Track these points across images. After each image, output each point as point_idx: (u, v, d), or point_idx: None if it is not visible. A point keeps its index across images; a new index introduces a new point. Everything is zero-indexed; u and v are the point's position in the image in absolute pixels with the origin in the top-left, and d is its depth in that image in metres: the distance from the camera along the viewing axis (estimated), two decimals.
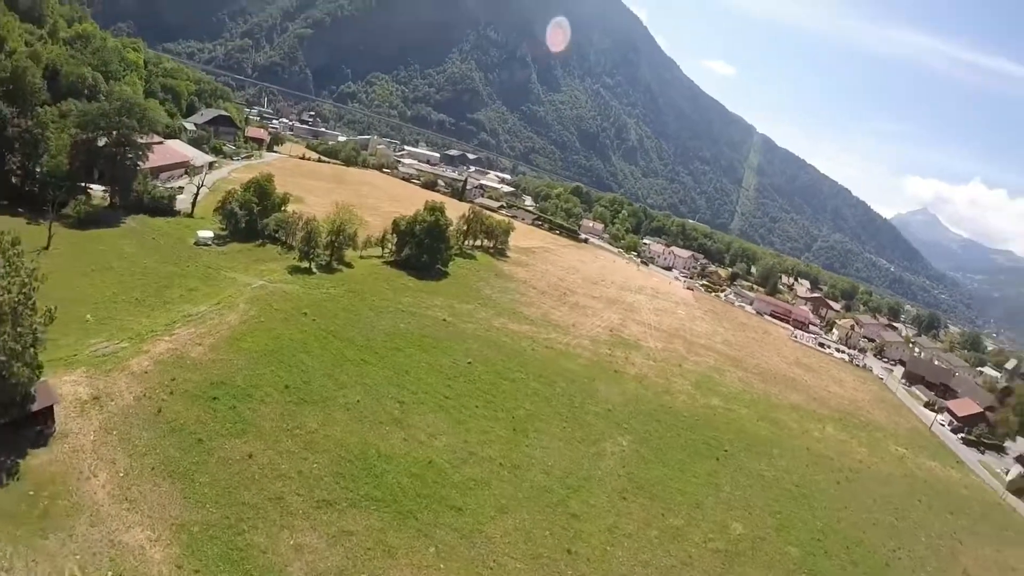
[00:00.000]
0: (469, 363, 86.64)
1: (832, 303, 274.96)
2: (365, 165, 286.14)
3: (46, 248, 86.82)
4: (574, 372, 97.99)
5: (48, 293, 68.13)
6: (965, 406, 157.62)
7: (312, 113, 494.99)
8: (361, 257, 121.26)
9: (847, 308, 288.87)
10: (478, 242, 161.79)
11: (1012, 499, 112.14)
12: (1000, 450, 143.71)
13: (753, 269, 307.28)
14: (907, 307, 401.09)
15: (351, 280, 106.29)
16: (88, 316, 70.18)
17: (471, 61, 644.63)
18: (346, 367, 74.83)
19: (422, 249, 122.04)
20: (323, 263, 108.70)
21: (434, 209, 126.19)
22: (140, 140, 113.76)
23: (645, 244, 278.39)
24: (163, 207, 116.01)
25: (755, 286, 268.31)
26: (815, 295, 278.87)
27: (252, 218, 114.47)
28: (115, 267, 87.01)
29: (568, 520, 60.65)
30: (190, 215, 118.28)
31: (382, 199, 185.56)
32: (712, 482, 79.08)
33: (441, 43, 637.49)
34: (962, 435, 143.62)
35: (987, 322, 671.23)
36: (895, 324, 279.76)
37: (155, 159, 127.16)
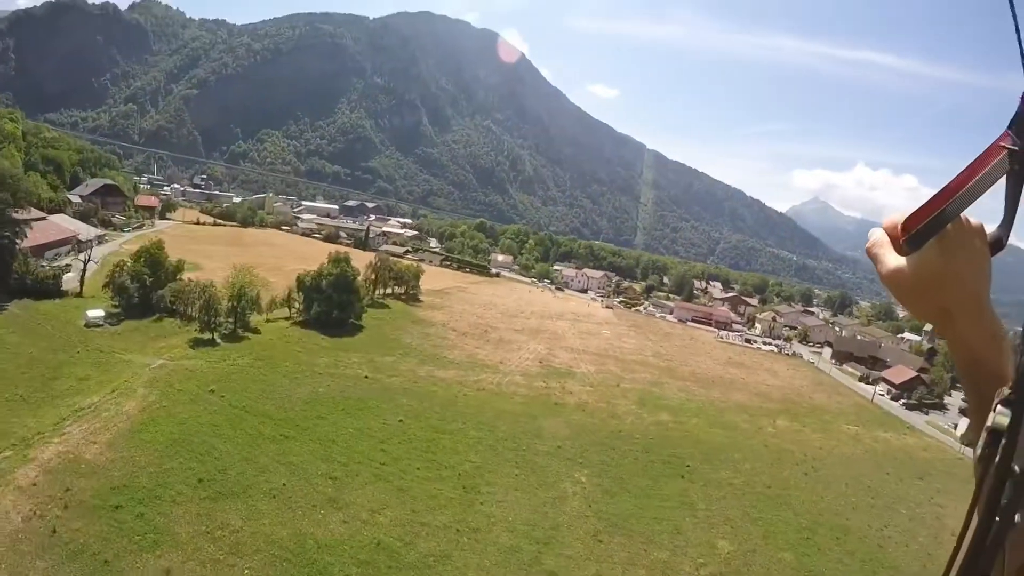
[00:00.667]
0: (401, 421, 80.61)
1: (748, 299, 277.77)
2: (263, 225, 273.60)
3: None
4: (513, 412, 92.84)
5: None
6: (899, 373, 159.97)
7: (204, 176, 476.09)
8: (268, 321, 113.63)
9: (763, 302, 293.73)
10: (389, 290, 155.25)
11: (968, 451, 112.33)
12: (942, 408, 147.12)
13: (665, 279, 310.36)
14: (817, 291, 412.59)
15: (260, 347, 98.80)
16: None
17: (360, 110, 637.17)
18: (264, 446, 67.65)
19: (331, 304, 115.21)
20: (227, 332, 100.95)
21: (339, 260, 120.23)
22: (17, 216, 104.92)
23: (557, 270, 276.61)
24: (48, 288, 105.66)
25: (671, 295, 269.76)
26: (730, 294, 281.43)
27: (145, 291, 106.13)
28: None
29: None
30: (79, 294, 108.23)
31: (284, 257, 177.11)
32: (685, 502, 75.23)
33: (329, 94, 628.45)
34: (903, 401, 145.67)
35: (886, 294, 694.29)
36: (811, 309, 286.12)
37: (37, 236, 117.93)
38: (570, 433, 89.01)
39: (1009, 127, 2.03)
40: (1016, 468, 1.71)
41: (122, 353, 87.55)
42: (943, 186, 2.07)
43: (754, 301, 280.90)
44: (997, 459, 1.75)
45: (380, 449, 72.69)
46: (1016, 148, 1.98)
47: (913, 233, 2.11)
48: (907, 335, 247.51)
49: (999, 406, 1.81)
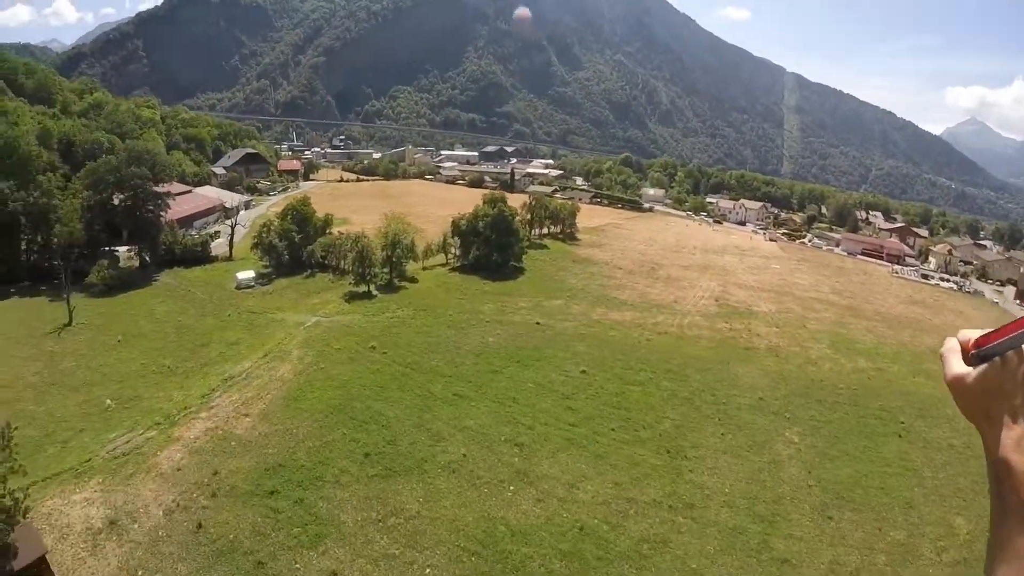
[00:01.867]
0: (583, 372, 68.00)
1: (917, 231, 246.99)
2: (406, 176, 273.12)
3: (68, 325, 73.24)
4: (703, 358, 78.21)
5: (66, 379, 55.91)
6: None
7: (343, 137, 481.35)
8: (424, 268, 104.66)
9: (930, 233, 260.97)
10: (544, 230, 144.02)
11: None
12: None
13: (823, 209, 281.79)
14: (983, 223, 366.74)
15: (419, 296, 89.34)
16: (109, 401, 54.77)
17: (488, 56, 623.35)
18: (437, 409, 56.99)
19: (490, 247, 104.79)
20: (383, 283, 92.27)
21: (495, 201, 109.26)
22: (158, 190, 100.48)
23: (711, 203, 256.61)
24: (198, 255, 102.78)
25: (833, 226, 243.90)
26: (899, 225, 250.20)
27: (294, 248, 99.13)
28: (145, 332, 72.88)
29: (781, 570, 42.19)
30: (228, 258, 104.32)
31: (432, 205, 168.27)
32: (908, 468, 58.69)
33: (455, 44, 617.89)
34: None
35: None
36: (982, 243, 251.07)
37: (185, 207, 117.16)
38: (769, 382, 73.42)
39: None
40: None
41: (275, 313, 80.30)
42: (1017, 318, 2.45)
43: (924, 232, 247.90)
44: None
45: (566, 407, 60.35)
46: None
47: (982, 350, 2.54)
48: None
49: None
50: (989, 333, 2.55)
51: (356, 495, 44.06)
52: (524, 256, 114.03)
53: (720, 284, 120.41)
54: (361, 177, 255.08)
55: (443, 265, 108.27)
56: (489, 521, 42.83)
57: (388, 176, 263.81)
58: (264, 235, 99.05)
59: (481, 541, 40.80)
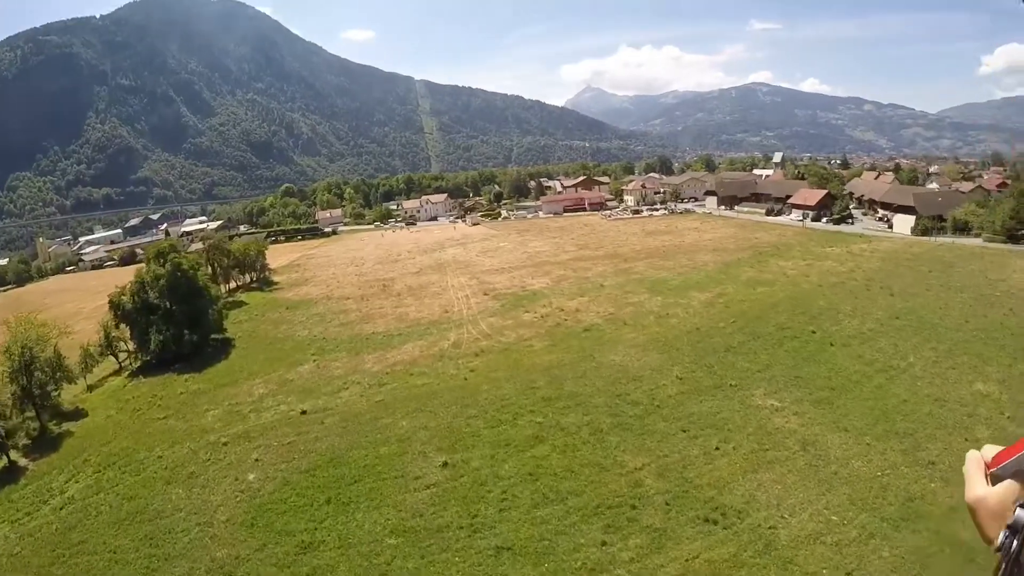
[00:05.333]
0: (445, 463, 43.86)
1: (599, 179, 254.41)
2: (42, 275, 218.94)
3: None
4: (562, 364, 60.59)
5: None
6: (808, 196, 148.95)
7: None
8: (90, 389, 71.38)
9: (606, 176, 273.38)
10: (232, 284, 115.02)
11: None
12: (851, 219, 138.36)
13: (497, 187, 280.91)
14: (633, 163, 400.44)
15: (98, 442, 55.33)
16: None
17: (112, 119, 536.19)
18: None
19: (176, 321, 74.44)
20: (29, 440, 57.33)
21: (162, 254, 79.23)
22: None
23: (394, 207, 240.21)
24: None
25: (517, 198, 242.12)
26: (580, 179, 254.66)
27: None
28: None
29: None
30: None
31: (82, 298, 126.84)
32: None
33: (73, 111, 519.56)
34: (825, 219, 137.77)
35: (683, 151, 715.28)
36: (654, 175, 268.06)
37: None
38: (663, 359, 60.04)
39: None
40: None
41: None
42: None
43: (604, 180, 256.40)
44: (1014, 549, 2.14)
45: (465, 540, 36.41)
46: None
47: (996, 470, 2.43)
48: (760, 171, 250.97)
49: (1018, 508, 2.23)
50: (1001, 451, 2.45)
51: None
52: (225, 321, 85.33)
53: (470, 277, 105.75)
54: None
55: (116, 373, 75.51)
56: None
57: (21, 282, 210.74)
58: None
59: None
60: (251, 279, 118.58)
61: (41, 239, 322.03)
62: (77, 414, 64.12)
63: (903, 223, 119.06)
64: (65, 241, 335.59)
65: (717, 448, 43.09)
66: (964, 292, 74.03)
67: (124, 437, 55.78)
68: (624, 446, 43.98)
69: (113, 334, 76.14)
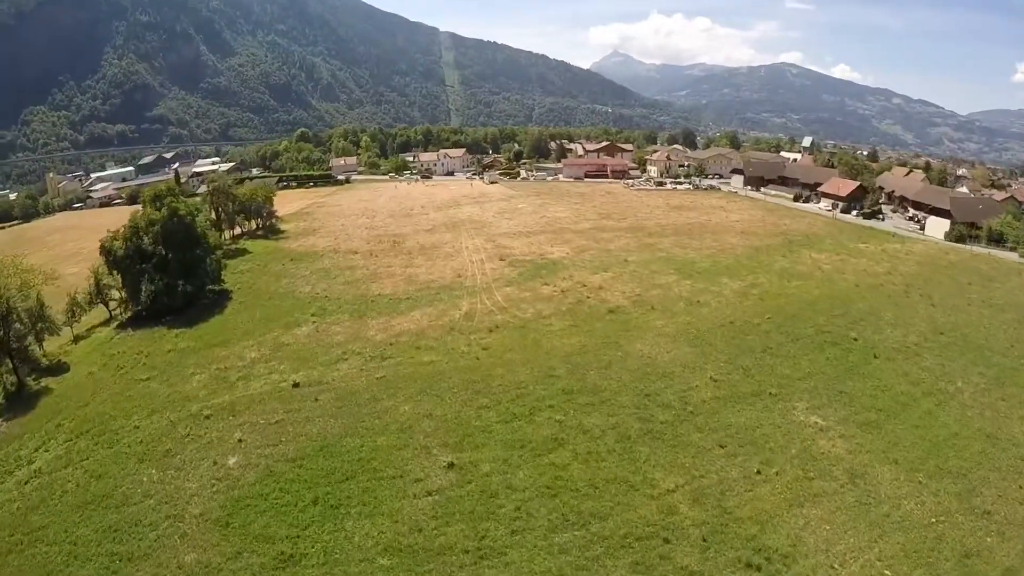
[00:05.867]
0: (451, 464, 38.82)
1: (623, 146, 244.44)
2: (49, 211, 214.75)
3: None
4: (582, 350, 55.28)
5: None
6: (840, 186, 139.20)
7: None
8: (77, 339, 66.70)
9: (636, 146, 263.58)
10: (237, 230, 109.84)
11: None
12: (881, 215, 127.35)
13: (517, 146, 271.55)
14: (655, 132, 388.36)
15: (75, 403, 50.97)
16: None
17: (130, 55, 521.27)
18: None
19: (171, 271, 69.30)
20: (5, 397, 53.40)
21: (160, 197, 73.58)
22: None
23: (411, 160, 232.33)
24: None
25: (538, 159, 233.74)
26: (604, 144, 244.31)
27: None
28: None
29: None
30: None
31: (86, 237, 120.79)
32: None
33: (90, 46, 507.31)
34: (856, 212, 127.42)
35: (706, 126, 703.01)
36: (679, 147, 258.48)
37: None
38: (695, 356, 54.28)
39: None
40: None
41: None
42: None
43: (628, 147, 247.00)
44: None
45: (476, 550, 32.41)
46: None
47: None
48: (785, 154, 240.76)
49: None
50: None
51: None
52: (224, 271, 80.00)
53: (485, 239, 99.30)
54: None
55: (107, 323, 70.63)
56: None
57: (28, 217, 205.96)
58: None
59: None
60: (257, 226, 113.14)
61: (51, 174, 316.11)
62: (59, 368, 59.71)
63: (937, 226, 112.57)
64: (76, 177, 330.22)
65: (758, 472, 37.98)
66: (1007, 312, 68.13)
67: (102, 400, 51.09)
68: (655, 460, 38.91)
69: (104, 281, 71.06)
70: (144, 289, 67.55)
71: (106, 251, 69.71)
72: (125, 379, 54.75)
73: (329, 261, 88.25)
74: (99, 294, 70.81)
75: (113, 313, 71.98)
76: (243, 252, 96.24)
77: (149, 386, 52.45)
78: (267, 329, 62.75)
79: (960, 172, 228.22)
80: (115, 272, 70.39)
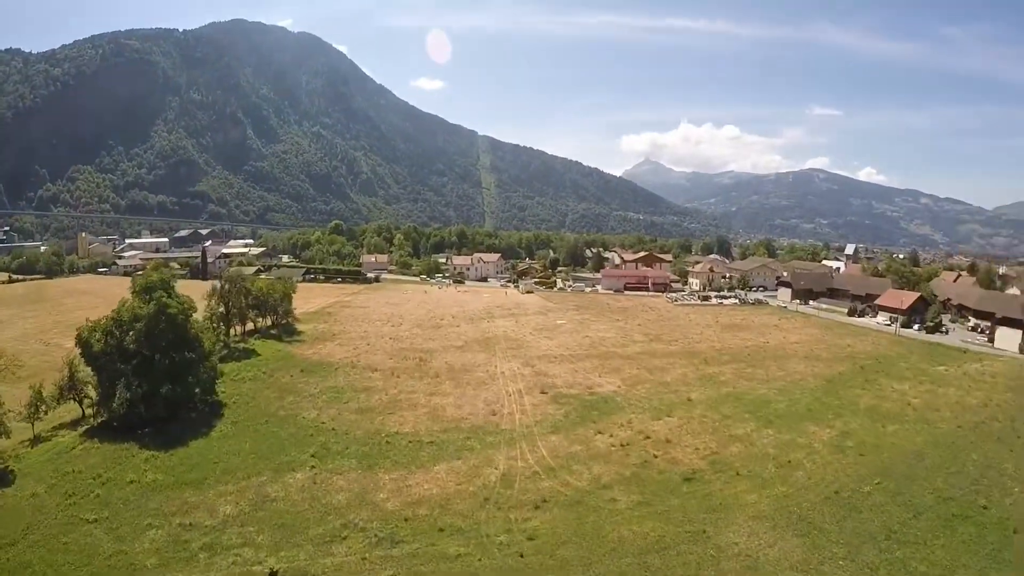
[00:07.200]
0: None
1: (662, 256, 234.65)
2: (74, 271, 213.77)
3: None
4: (662, 541, 41.73)
5: None
6: (898, 298, 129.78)
7: (6, 228, 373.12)
8: (37, 440, 55.84)
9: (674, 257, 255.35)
10: (249, 325, 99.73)
11: None
12: (942, 328, 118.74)
13: (552, 252, 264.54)
14: (690, 241, 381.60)
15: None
16: None
17: (179, 130, 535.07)
18: None
19: (153, 375, 58.78)
20: None
21: (150, 289, 63.68)
22: None
23: (443, 262, 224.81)
24: None
25: (574, 267, 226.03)
26: (643, 254, 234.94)
27: None
28: None
29: None
30: None
31: (98, 306, 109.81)
32: None
33: (142, 116, 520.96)
34: (917, 326, 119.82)
35: (736, 233, 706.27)
36: (718, 257, 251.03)
37: None
38: (803, 546, 41.39)
39: None
40: None
41: None
42: None
43: (668, 257, 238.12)
44: None
45: None
46: None
47: None
48: (828, 263, 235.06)
49: None
50: None
51: None
52: (222, 377, 69.26)
53: (523, 363, 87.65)
54: (15, 277, 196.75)
55: (77, 423, 59.72)
56: None
57: (51, 274, 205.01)
58: None
59: None
60: (272, 323, 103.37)
61: (84, 234, 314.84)
62: (3, 478, 48.77)
63: (1008, 338, 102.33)
64: (110, 241, 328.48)
65: None
66: None
67: (32, 542, 40.15)
68: None
69: (79, 375, 60.57)
70: (118, 395, 56.52)
71: (83, 342, 59.53)
72: (69, 515, 43.56)
73: (344, 378, 77.30)
74: (72, 388, 60.13)
75: (86, 412, 61.07)
76: (250, 353, 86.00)
77: (92, 534, 40.99)
78: (253, 470, 51.14)
79: (1002, 271, 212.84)
80: (90, 368, 60.03)
